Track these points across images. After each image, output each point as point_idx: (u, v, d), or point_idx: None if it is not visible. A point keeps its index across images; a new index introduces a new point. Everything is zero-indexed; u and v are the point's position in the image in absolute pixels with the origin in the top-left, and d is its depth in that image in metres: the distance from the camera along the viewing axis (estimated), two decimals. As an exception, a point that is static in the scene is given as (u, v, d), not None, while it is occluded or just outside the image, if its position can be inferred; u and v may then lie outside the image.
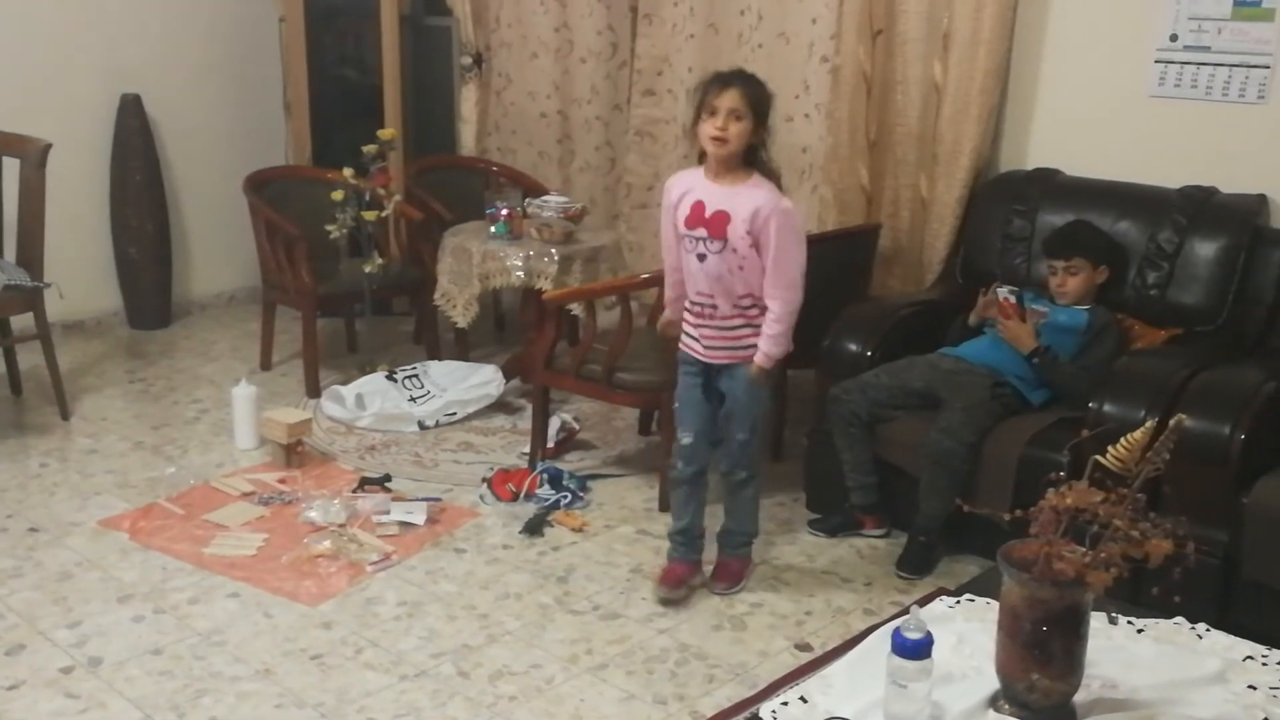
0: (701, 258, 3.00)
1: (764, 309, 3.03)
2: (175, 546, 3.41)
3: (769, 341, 3.03)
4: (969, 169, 4.00)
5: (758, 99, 2.93)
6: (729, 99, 2.90)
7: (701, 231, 2.98)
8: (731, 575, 3.29)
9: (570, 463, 4.03)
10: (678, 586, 3.21)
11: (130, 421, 4.39)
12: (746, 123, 2.91)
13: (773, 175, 3.02)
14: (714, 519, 3.33)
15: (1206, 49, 3.63)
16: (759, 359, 3.04)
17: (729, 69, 3.07)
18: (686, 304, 3.12)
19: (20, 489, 3.77)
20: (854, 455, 3.47)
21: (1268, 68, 3.52)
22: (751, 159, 2.98)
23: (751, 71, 3.05)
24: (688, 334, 3.14)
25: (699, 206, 2.98)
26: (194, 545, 3.42)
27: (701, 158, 3.03)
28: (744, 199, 2.95)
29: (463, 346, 4.89)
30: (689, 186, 3.03)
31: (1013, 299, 3.47)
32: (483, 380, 4.52)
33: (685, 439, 3.18)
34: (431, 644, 2.97)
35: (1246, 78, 3.57)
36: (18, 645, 2.91)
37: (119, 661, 2.86)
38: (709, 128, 2.92)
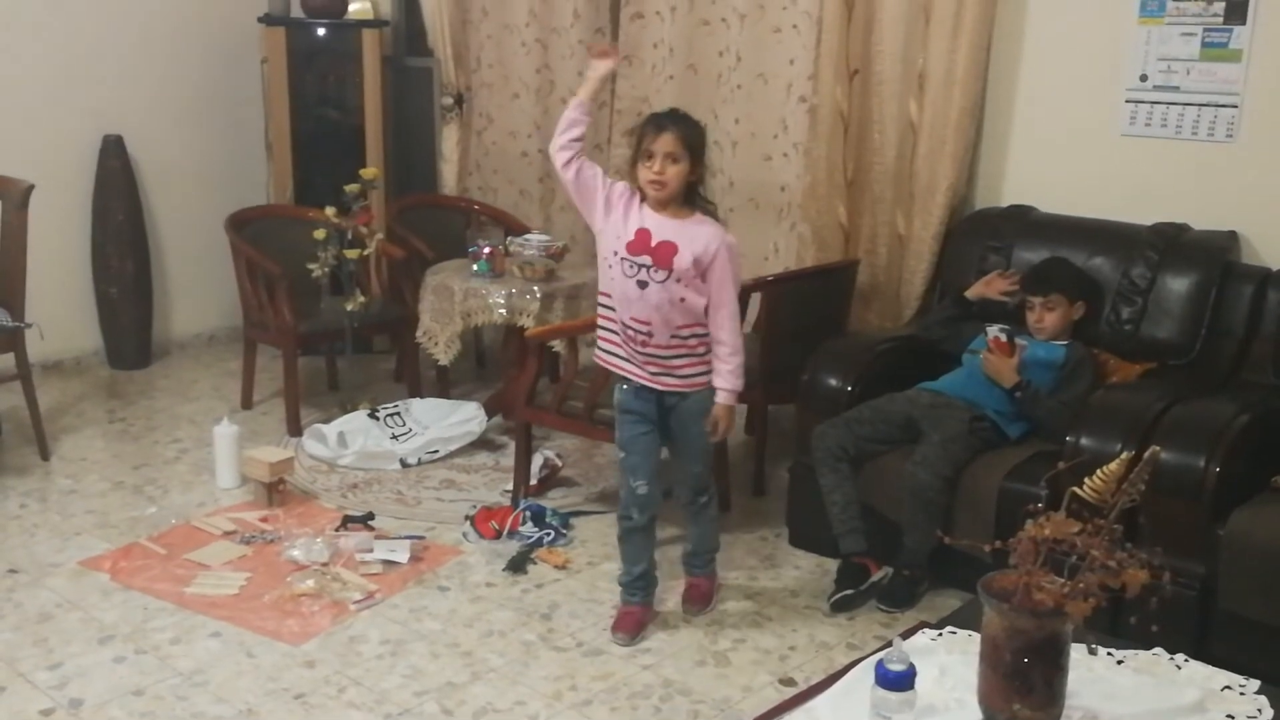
0: (643, 285, 2.97)
1: (704, 340, 3.05)
2: (156, 586, 3.40)
3: (731, 377, 3.04)
4: (945, 206, 4.05)
5: (692, 139, 2.97)
6: (664, 143, 2.93)
7: (646, 259, 2.96)
8: (705, 595, 3.33)
9: (553, 500, 4.04)
10: (639, 631, 3.20)
11: (110, 461, 4.37)
12: (683, 164, 2.95)
13: (712, 212, 3.07)
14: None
15: (1176, 89, 3.71)
16: (724, 398, 3.05)
17: (663, 110, 3.09)
18: (617, 328, 3.07)
19: (0, 530, 3.75)
20: (843, 495, 3.40)
21: (1236, 107, 3.60)
22: (690, 197, 3.02)
23: (684, 111, 3.08)
24: (621, 358, 3.09)
25: (644, 234, 2.97)
26: (175, 585, 3.40)
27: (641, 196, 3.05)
28: (690, 233, 2.98)
29: (444, 384, 4.90)
30: (635, 208, 3.01)
31: (1003, 337, 3.49)
32: (465, 417, 4.53)
33: (641, 488, 3.13)
34: (415, 682, 2.96)
35: (1215, 117, 3.64)
36: (-2, 687, 2.90)
37: (100, 703, 2.84)
38: (646, 172, 2.96)
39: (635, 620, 3.21)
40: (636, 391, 3.10)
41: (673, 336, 3.02)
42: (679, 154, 2.94)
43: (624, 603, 3.25)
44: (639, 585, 3.24)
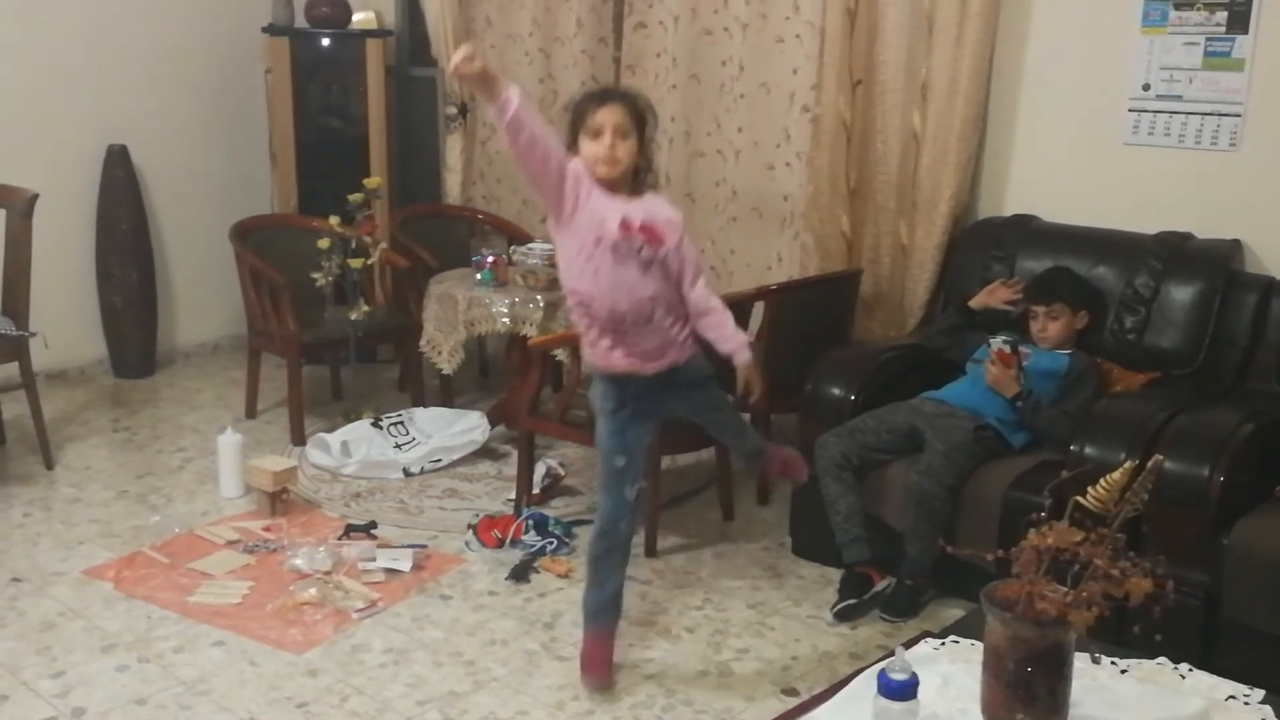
0: (646, 266, 2.74)
1: (682, 299, 2.85)
2: (160, 595, 3.40)
3: (736, 330, 2.87)
4: (948, 215, 4.05)
5: (639, 112, 2.75)
6: (613, 114, 2.69)
7: (640, 239, 2.73)
8: (797, 462, 3.36)
9: (556, 508, 4.03)
10: (610, 670, 2.97)
11: (114, 470, 4.38)
12: (633, 140, 2.73)
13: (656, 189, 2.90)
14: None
15: (1179, 98, 3.71)
16: (743, 355, 2.85)
17: (601, 87, 2.79)
18: (606, 324, 2.79)
19: (3, 539, 3.75)
20: (847, 504, 3.38)
21: (1239, 116, 3.60)
22: (637, 181, 2.80)
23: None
24: (625, 353, 2.82)
25: (625, 222, 2.73)
26: (179, 594, 3.40)
27: None
28: (657, 210, 2.79)
29: (448, 393, 4.91)
30: (602, 197, 2.74)
31: (1006, 349, 3.47)
32: (468, 426, 4.53)
33: (631, 494, 2.90)
34: (418, 691, 2.96)
35: (1218, 126, 3.64)
36: (0, 696, 2.89)
37: (103, 712, 2.84)
38: (595, 148, 2.70)
39: (602, 656, 2.95)
40: (641, 391, 2.86)
41: (669, 311, 2.82)
42: (627, 128, 2.71)
43: (593, 633, 2.96)
44: (612, 608, 2.97)
